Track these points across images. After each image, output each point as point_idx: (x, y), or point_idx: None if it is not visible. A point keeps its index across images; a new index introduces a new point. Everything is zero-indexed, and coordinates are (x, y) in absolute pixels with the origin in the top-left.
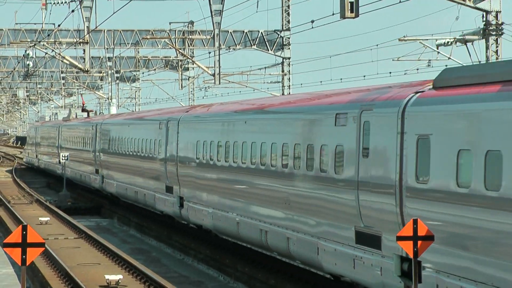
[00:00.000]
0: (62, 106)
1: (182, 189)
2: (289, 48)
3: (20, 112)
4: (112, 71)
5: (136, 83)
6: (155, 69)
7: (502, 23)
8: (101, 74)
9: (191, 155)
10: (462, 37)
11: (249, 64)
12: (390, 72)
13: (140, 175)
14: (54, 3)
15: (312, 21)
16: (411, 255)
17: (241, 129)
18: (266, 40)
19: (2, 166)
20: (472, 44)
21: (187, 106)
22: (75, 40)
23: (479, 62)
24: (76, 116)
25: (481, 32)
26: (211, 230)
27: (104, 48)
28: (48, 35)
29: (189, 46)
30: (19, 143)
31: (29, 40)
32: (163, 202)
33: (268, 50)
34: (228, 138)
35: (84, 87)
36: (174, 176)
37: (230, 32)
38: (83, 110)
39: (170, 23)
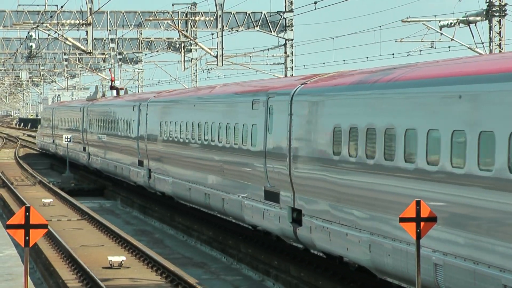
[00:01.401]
0: (65, 88)
1: (298, 198)
2: (292, 30)
3: (23, 93)
4: (115, 52)
5: (139, 64)
6: (157, 51)
7: (506, 4)
8: (104, 56)
9: (321, 147)
10: (465, 18)
11: (251, 45)
12: (393, 54)
13: (216, 172)
14: None
15: (315, 2)
16: (413, 237)
17: (452, 108)
18: (269, 21)
19: (5, 148)
20: (475, 25)
21: (300, 75)
22: (77, 22)
23: (482, 43)
24: (104, 95)
25: (484, 13)
26: (364, 266)
27: (107, 30)
28: (51, 17)
29: (192, 27)
30: (22, 125)
31: (31, 21)
32: (259, 214)
33: (271, 32)
34: (427, 124)
35: (86, 69)
36: (283, 178)
37: (233, 14)
38: (112, 87)
39: (173, 5)
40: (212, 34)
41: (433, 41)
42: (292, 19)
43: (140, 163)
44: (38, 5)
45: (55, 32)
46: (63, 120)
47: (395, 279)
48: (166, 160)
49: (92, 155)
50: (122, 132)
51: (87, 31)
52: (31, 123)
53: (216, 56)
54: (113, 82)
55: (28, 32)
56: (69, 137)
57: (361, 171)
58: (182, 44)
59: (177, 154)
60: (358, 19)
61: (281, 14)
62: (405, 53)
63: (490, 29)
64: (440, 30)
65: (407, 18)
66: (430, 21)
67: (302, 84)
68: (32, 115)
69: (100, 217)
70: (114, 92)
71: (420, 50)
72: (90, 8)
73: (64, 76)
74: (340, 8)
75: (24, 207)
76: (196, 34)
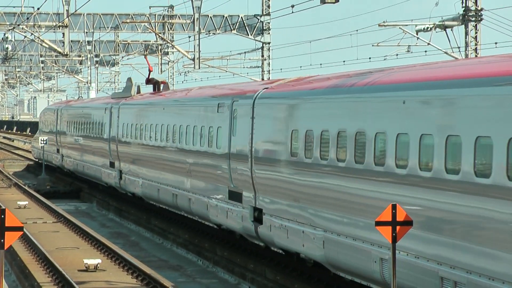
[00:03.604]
0: (41, 90)
1: None
2: (269, 33)
3: None
4: (92, 55)
5: (116, 67)
6: (134, 53)
7: (482, 9)
8: (81, 58)
9: None
10: (441, 22)
11: (229, 48)
12: (370, 58)
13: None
14: None
15: (292, 6)
16: (390, 241)
17: None
18: (246, 24)
19: None
20: (451, 30)
21: None
22: (54, 24)
23: (458, 47)
24: (138, 91)
25: (461, 17)
26: None
27: (84, 32)
28: (27, 19)
29: (169, 30)
30: None
31: (8, 23)
32: None
33: (248, 35)
34: None
35: (63, 71)
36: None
37: (210, 17)
38: (150, 80)
39: (150, 7)
40: (189, 37)
41: (409, 45)
42: (269, 23)
43: (235, 196)
44: (14, 7)
45: (32, 34)
46: (75, 124)
47: None
48: (308, 198)
49: (126, 174)
50: (191, 144)
51: (63, 33)
52: (7, 125)
53: (193, 59)
54: (151, 73)
55: (4, 34)
56: (45, 139)
57: None
58: (159, 47)
59: (336, 190)
60: (335, 23)
61: (258, 17)
62: (381, 57)
63: (466, 33)
64: (417, 34)
65: (383, 22)
66: (406, 25)
67: None
68: (7, 117)
69: (76, 219)
70: (150, 87)
71: (397, 54)
72: (67, 10)
73: (41, 78)
74: (317, 12)
75: None
76: (173, 37)
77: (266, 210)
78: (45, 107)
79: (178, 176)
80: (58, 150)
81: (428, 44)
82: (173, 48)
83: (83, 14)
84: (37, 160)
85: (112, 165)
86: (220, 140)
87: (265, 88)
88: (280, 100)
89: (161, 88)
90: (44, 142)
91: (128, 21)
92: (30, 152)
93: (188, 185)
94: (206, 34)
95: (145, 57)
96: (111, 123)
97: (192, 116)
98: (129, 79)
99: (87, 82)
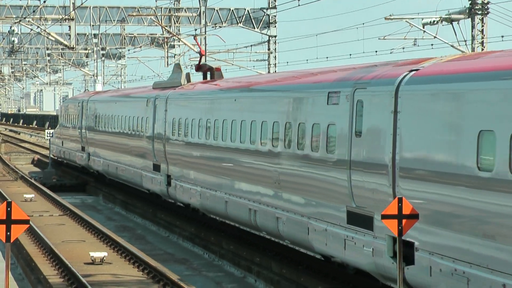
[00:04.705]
0: (47, 83)
1: None
2: (275, 26)
3: (5, 88)
4: (98, 48)
5: (122, 60)
6: (140, 46)
7: (488, 2)
8: (87, 51)
9: None
10: (448, 16)
11: (235, 42)
12: (376, 51)
13: None
14: None
15: None
16: (395, 234)
17: None
18: (252, 18)
19: None
20: (458, 23)
21: None
22: (60, 17)
23: (465, 40)
24: (188, 79)
25: (467, 11)
26: None
27: (90, 25)
28: (34, 11)
29: (175, 23)
30: (3, 120)
31: (14, 16)
32: None
33: (254, 28)
34: None
35: (69, 64)
36: None
37: (216, 10)
38: (200, 67)
39: (156, 0)
40: (196, 30)
41: (416, 39)
42: (275, 16)
43: (359, 221)
44: (20, 0)
45: (38, 27)
46: (106, 119)
47: None
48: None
49: (177, 181)
50: (283, 146)
51: (70, 26)
52: (13, 118)
53: (199, 52)
54: (201, 57)
55: (11, 27)
56: (51, 132)
57: None
58: (165, 40)
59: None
60: (341, 16)
61: (265, 10)
62: (388, 50)
63: (473, 27)
64: (423, 27)
65: (390, 15)
66: (413, 18)
67: None
68: (13, 111)
69: (82, 212)
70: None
71: (403, 48)
72: (73, 3)
73: (47, 71)
74: (323, 5)
75: (5, 202)
76: (179, 30)
77: (422, 245)
78: (67, 98)
79: (259, 187)
80: (83, 148)
81: (435, 37)
82: (179, 41)
83: (90, 7)
84: (56, 158)
85: (156, 168)
86: (332, 142)
87: (413, 70)
88: (455, 88)
89: (215, 75)
90: (51, 135)
91: (134, 14)
92: (36, 145)
93: (276, 200)
94: (212, 27)
95: (194, 39)
96: (155, 118)
97: (282, 110)
98: (178, 65)
99: (94, 75)
